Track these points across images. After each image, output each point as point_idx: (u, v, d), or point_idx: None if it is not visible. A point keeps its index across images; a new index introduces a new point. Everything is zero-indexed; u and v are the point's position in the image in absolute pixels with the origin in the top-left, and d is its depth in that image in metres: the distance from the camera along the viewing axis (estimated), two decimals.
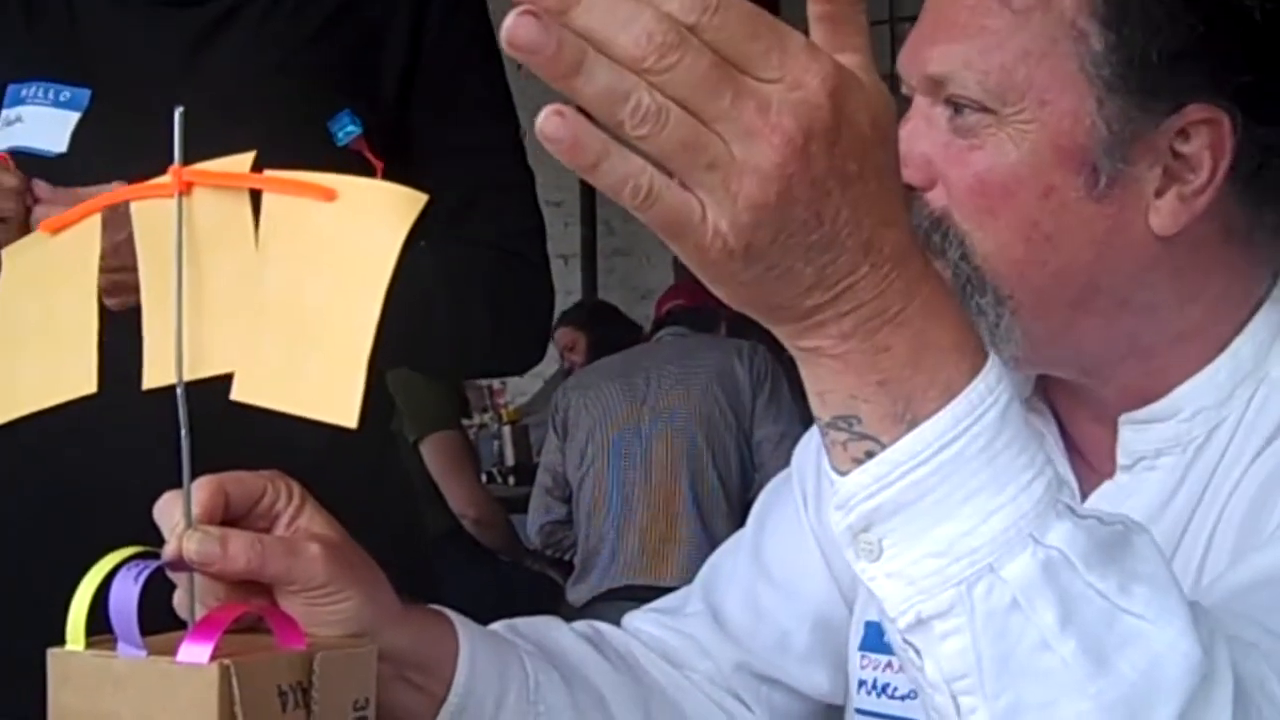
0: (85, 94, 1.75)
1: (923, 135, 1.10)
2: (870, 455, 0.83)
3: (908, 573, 0.83)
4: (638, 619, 1.35)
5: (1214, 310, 1.12)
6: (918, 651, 0.84)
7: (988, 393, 0.83)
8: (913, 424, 0.82)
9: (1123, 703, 0.82)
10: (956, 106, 1.09)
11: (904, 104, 1.14)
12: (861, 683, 1.25)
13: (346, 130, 1.76)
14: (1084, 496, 1.17)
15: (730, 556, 1.38)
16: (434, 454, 4.89)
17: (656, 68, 0.73)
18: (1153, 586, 0.84)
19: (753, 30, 0.75)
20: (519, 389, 6.93)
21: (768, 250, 0.77)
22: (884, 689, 1.24)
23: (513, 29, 0.71)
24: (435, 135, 1.82)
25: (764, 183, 0.75)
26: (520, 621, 1.24)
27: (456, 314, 1.80)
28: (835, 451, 0.84)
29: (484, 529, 4.97)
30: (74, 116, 1.75)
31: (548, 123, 0.72)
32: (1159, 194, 1.07)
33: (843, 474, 0.84)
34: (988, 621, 0.82)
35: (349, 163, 1.69)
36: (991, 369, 0.84)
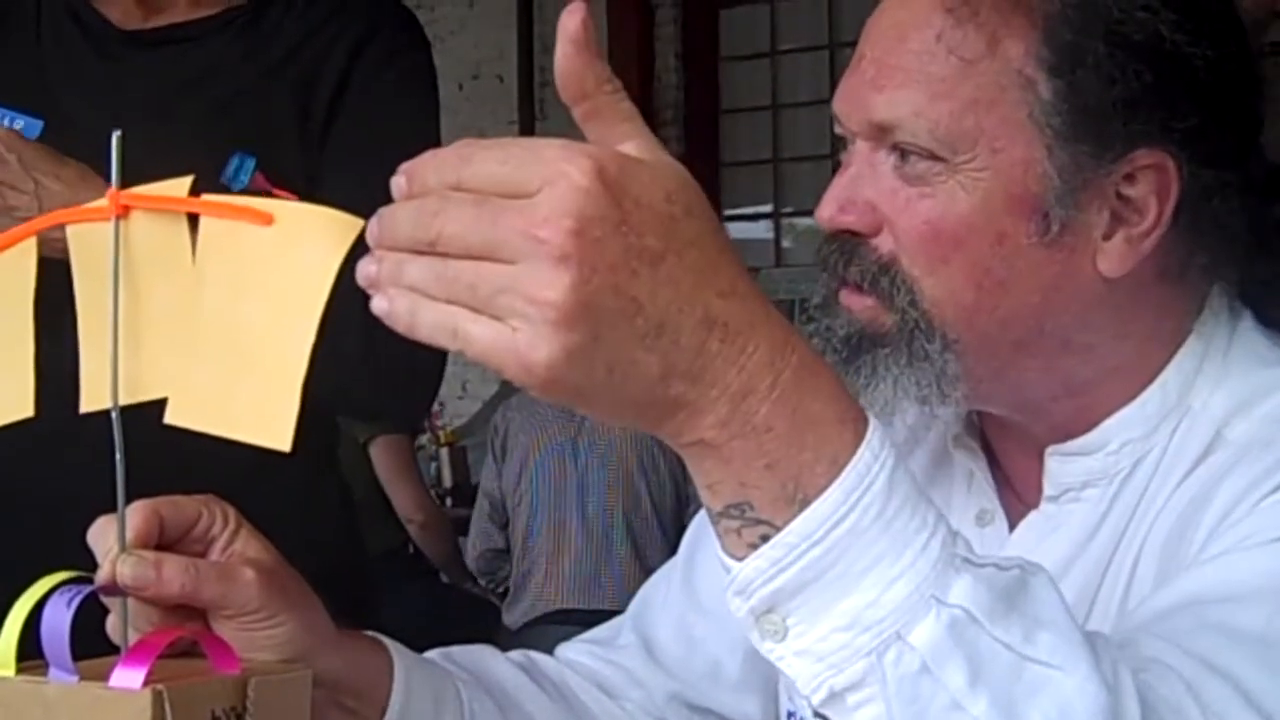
0: (38, 124, 1.75)
1: (867, 181, 1.10)
2: (765, 539, 0.82)
3: (816, 649, 0.83)
4: (570, 650, 1.35)
5: (1145, 346, 1.13)
6: None
7: (874, 460, 0.82)
8: (804, 503, 0.81)
9: None
10: (903, 153, 1.08)
11: (838, 141, 1.15)
12: (790, 714, 1.26)
13: (240, 178, 1.74)
14: (1011, 527, 1.18)
15: (662, 586, 1.38)
16: (383, 456, 4.87)
17: (428, 239, 0.77)
18: (1056, 632, 0.85)
19: (502, 157, 0.77)
20: (456, 411, 6.91)
21: (595, 349, 0.77)
22: None
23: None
24: (346, 169, 1.78)
25: (554, 280, 0.75)
26: (455, 649, 1.23)
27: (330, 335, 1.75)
28: (729, 539, 0.84)
29: (428, 535, 4.94)
30: None
31: (377, 305, 0.79)
32: (1106, 237, 1.09)
33: (739, 559, 0.83)
34: (899, 688, 0.82)
35: None
36: (874, 433, 0.83)
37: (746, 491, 0.82)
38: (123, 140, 0.87)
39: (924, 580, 0.82)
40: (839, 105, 1.13)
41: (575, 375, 0.77)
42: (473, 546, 4.60)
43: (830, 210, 1.11)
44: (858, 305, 1.12)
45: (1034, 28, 1.07)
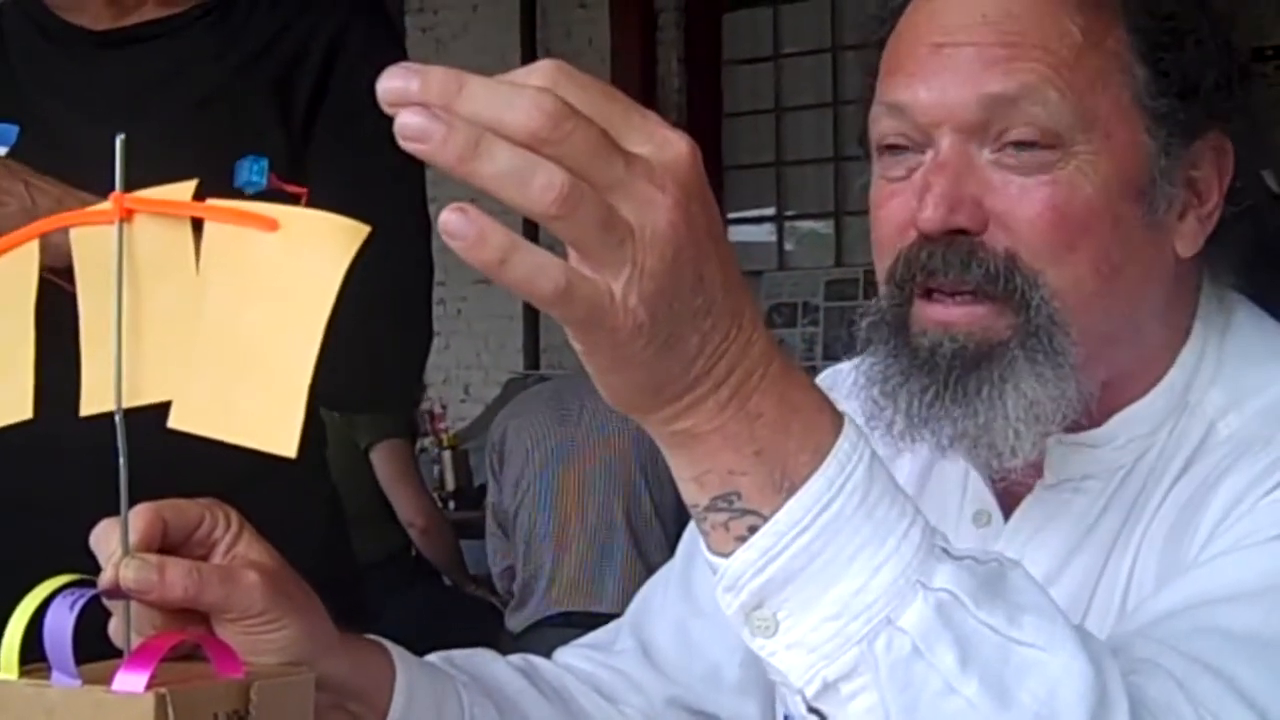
0: (13, 130, 1.75)
1: (968, 177, 1.09)
2: (753, 530, 0.83)
3: (808, 640, 0.83)
4: (568, 655, 1.35)
5: (1170, 334, 1.14)
6: (824, 718, 0.85)
7: (852, 449, 0.83)
8: (791, 490, 0.82)
9: None
10: (1012, 144, 1.07)
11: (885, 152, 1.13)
12: (787, 717, 1.26)
13: (254, 179, 1.72)
14: (1006, 516, 1.18)
15: (660, 590, 1.38)
16: (384, 461, 4.87)
17: (553, 138, 0.71)
18: (1039, 615, 0.86)
19: (616, 99, 0.75)
20: (459, 414, 6.92)
21: (665, 320, 0.76)
22: None
23: (402, 121, 0.70)
24: (332, 166, 1.78)
25: (662, 248, 0.74)
26: (456, 653, 1.24)
27: None
28: (716, 535, 0.84)
29: (430, 539, 4.94)
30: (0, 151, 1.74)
31: (449, 219, 0.71)
32: (1181, 217, 1.11)
33: (726, 555, 0.84)
34: (892, 674, 0.82)
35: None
36: (850, 424, 0.84)
37: (735, 480, 0.82)
38: (127, 144, 0.87)
39: (908, 566, 0.83)
40: (922, 95, 1.10)
41: (639, 344, 0.76)
42: (492, 565, 4.56)
43: (941, 212, 1.08)
44: (961, 317, 1.10)
45: (1123, 16, 1.09)
